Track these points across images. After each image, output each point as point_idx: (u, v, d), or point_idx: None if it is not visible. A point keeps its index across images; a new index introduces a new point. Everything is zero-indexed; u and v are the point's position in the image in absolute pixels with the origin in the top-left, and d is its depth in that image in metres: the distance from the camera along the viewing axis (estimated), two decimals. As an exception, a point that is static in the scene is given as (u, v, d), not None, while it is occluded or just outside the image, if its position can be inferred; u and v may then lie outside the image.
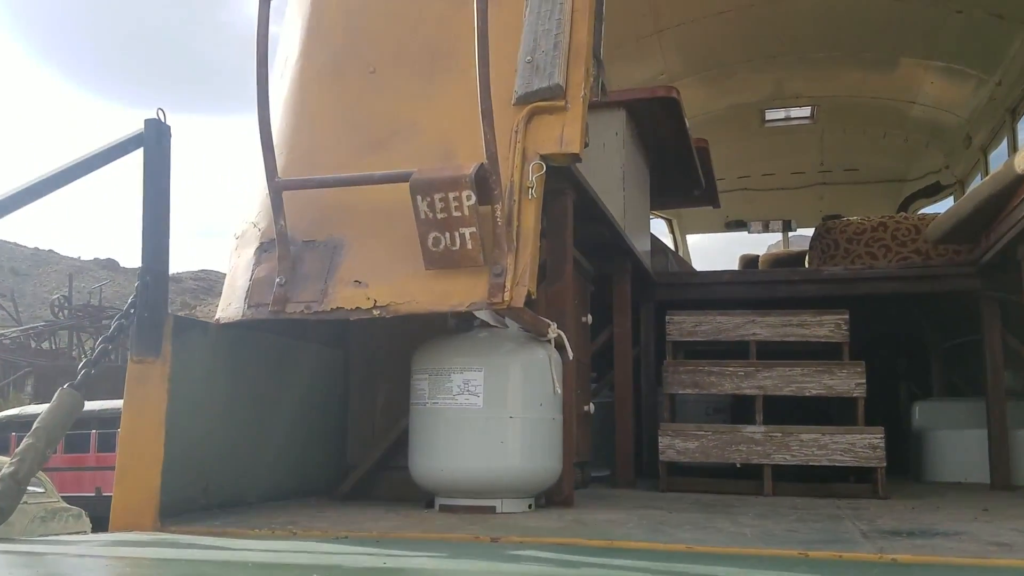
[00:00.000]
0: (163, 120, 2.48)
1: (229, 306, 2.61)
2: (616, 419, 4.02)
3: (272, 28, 2.48)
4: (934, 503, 3.25)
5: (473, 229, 2.31)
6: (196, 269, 74.17)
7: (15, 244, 73.86)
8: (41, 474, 10.32)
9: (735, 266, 7.60)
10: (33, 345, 34.52)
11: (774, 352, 3.86)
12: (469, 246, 2.33)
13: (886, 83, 6.35)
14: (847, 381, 3.65)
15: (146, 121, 2.48)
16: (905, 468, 4.68)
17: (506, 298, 2.31)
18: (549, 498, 2.85)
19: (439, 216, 2.31)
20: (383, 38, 2.80)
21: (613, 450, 4.02)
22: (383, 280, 2.44)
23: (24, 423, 11.43)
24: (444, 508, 2.67)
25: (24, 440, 2.16)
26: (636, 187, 4.19)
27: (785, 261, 7.10)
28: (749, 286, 4.74)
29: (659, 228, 8.07)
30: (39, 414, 2.29)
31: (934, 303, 4.97)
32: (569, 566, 1.73)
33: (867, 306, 4.49)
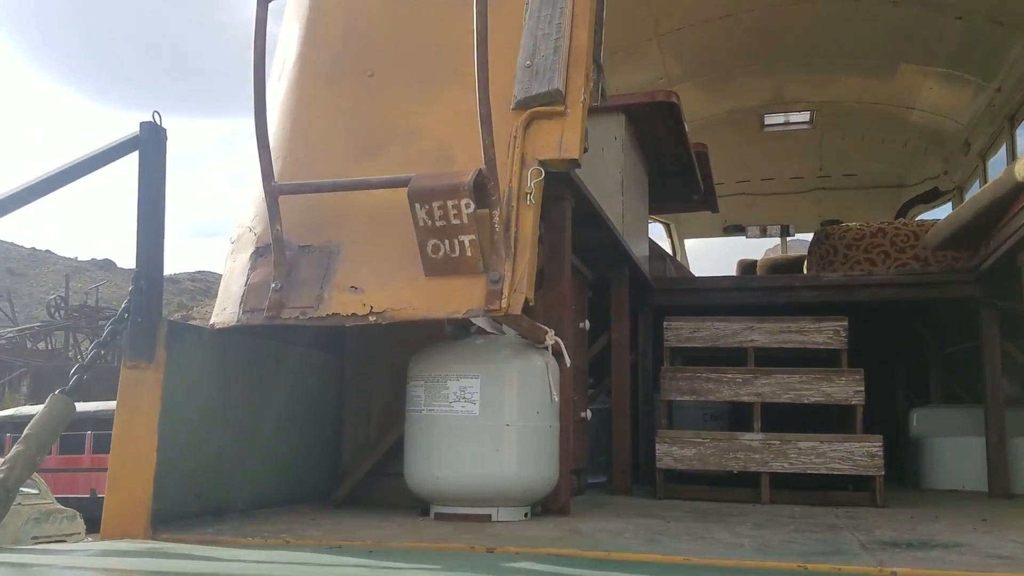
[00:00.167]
0: (159, 123, 2.45)
1: (224, 311, 2.59)
2: (613, 425, 4.00)
3: (270, 30, 2.46)
4: (933, 512, 3.23)
5: (473, 236, 2.29)
6: (193, 270, 74.13)
7: (12, 244, 73.77)
8: (36, 475, 10.29)
9: (733, 271, 7.59)
10: (29, 345, 34.47)
11: (772, 359, 3.84)
12: (469, 253, 2.31)
13: (885, 89, 6.34)
14: (846, 388, 3.63)
15: (141, 124, 2.45)
16: (903, 475, 4.66)
17: (504, 305, 2.28)
18: (545, 506, 2.82)
19: (438, 224, 2.29)
20: (382, 41, 2.78)
21: (610, 456, 4.00)
22: (379, 286, 2.41)
23: (19, 424, 11.38)
24: (439, 516, 2.64)
25: (14, 447, 2.13)
26: (635, 192, 4.17)
27: (783, 266, 7.08)
28: (747, 292, 4.72)
29: (657, 232, 8.06)
30: (34, 415, 2.27)
31: (933, 310, 4.96)
32: (566, 579, 1.70)
33: (866, 313, 4.48)
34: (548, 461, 2.69)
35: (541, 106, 2.46)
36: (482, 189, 2.27)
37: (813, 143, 7.18)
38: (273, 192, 2.46)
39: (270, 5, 2.44)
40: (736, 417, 4.20)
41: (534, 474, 2.65)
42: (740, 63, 6.19)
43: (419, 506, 2.77)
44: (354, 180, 2.49)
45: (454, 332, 2.73)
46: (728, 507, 3.34)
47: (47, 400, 2.27)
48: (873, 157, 7.35)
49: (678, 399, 3.85)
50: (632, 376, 4.20)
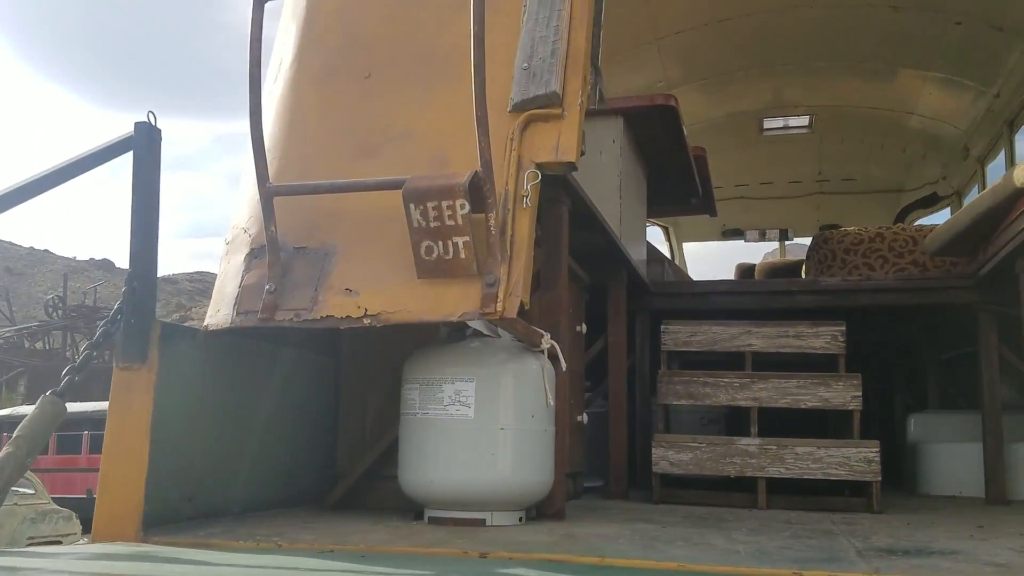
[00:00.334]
0: (154, 123, 2.44)
1: (218, 312, 2.58)
2: (610, 429, 3.98)
3: (267, 31, 2.45)
4: (929, 519, 3.22)
5: (467, 238, 2.28)
6: (192, 271, 74.10)
7: (11, 243, 73.76)
8: (32, 475, 10.27)
9: (731, 275, 7.58)
10: (27, 345, 34.46)
11: (770, 363, 3.83)
12: (462, 255, 2.30)
13: (884, 93, 6.34)
14: (843, 394, 3.61)
15: (136, 124, 2.44)
16: (900, 481, 4.65)
17: (499, 308, 2.27)
18: (540, 511, 2.81)
19: (432, 225, 2.28)
20: (378, 43, 2.76)
21: (607, 460, 3.98)
22: (374, 288, 2.40)
23: (15, 423, 11.37)
24: (433, 520, 2.63)
25: (4, 449, 2.12)
26: (633, 195, 4.16)
27: (781, 270, 7.08)
28: (745, 296, 4.71)
29: (656, 236, 8.06)
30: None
31: (931, 315, 4.95)
32: (559, 585, 1.69)
33: (864, 317, 4.47)
34: (543, 465, 2.67)
35: (538, 108, 2.45)
36: (478, 191, 2.25)
37: (812, 147, 7.18)
38: (268, 193, 2.44)
39: (268, 6, 2.43)
40: (733, 422, 4.19)
41: (529, 478, 2.63)
42: (739, 67, 6.18)
43: (414, 509, 2.76)
44: (349, 182, 2.48)
45: (449, 335, 2.72)
46: (724, 512, 3.33)
47: (38, 401, 2.26)
48: (872, 162, 7.35)
49: (675, 403, 3.84)
50: (629, 380, 4.18)
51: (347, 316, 2.38)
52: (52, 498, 10.94)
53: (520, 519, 2.67)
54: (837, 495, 3.63)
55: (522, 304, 2.30)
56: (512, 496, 2.63)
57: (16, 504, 9.56)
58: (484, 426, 2.55)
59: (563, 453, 2.83)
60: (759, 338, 3.83)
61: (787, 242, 8.65)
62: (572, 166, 2.45)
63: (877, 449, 3.49)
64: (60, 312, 35.21)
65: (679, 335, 3.92)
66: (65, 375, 2.32)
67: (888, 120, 6.65)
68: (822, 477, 3.52)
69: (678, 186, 4.83)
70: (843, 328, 3.76)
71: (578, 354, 3.57)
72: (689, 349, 3.91)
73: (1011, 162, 5.70)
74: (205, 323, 2.61)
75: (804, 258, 5.84)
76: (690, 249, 8.55)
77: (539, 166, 2.40)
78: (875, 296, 4.44)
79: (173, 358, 2.40)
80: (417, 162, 2.48)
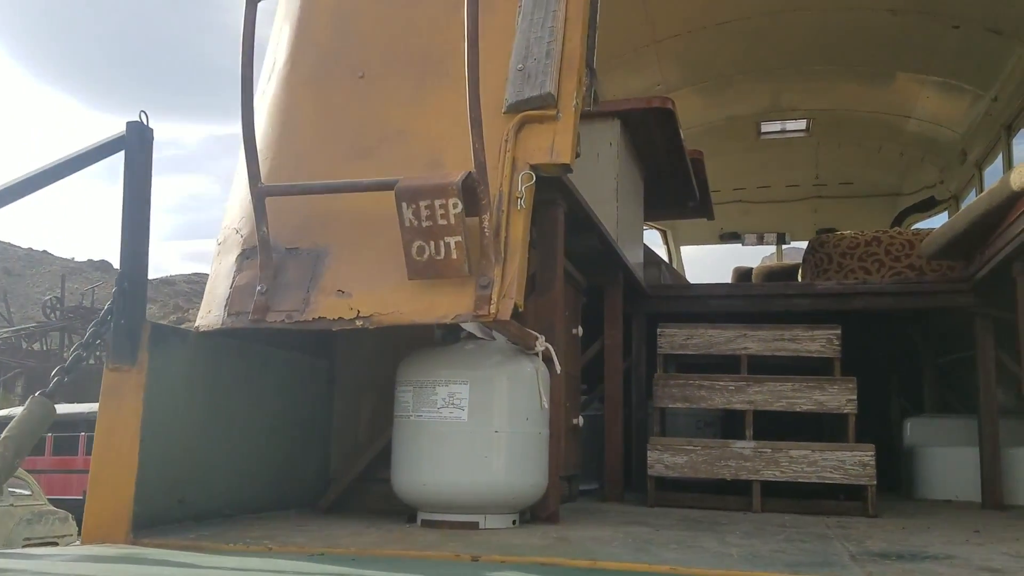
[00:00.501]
0: (145, 123, 2.43)
1: (209, 314, 2.56)
2: (605, 432, 3.97)
3: (261, 32, 2.43)
4: (925, 523, 3.20)
5: (458, 238, 2.26)
6: (189, 272, 74.05)
7: (8, 244, 73.69)
8: (28, 476, 10.25)
9: (729, 278, 7.58)
10: (24, 346, 34.42)
11: (766, 367, 3.82)
12: (454, 255, 2.28)
13: (882, 97, 6.33)
14: (838, 397, 3.60)
15: (128, 124, 2.42)
16: (896, 485, 4.64)
17: (492, 310, 2.26)
18: (534, 514, 2.79)
19: (424, 224, 2.26)
20: (373, 43, 2.75)
21: (602, 463, 3.97)
22: (367, 290, 2.39)
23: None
24: (426, 523, 2.61)
25: (-8, 450, 2.10)
26: (630, 198, 4.15)
27: (779, 274, 7.07)
28: (741, 299, 4.70)
29: (653, 239, 8.05)
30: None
31: (927, 319, 4.94)
32: (550, 588, 1.68)
33: (860, 321, 4.46)
34: (537, 468, 2.66)
35: (533, 110, 2.44)
36: (471, 192, 2.24)
37: (809, 151, 7.18)
38: (260, 193, 2.43)
39: (261, 6, 2.42)
40: (729, 425, 4.18)
41: (522, 481, 2.62)
42: (737, 70, 6.18)
43: (407, 512, 2.74)
44: (342, 182, 2.46)
45: (443, 337, 2.70)
46: (719, 515, 3.32)
47: (27, 402, 2.24)
48: (869, 166, 7.35)
49: (671, 406, 3.83)
50: (625, 383, 4.17)
51: (339, 318, 2.37)
52: (49, 499, 10.91)
53: (514, 522, 2.66)
54: (832, 499, 3.62)
55: (516, 306, 2.28)
56: (505, 499, 2.61)
57: (12, 505, 9.54)
58: (478, 429, 2.53)
59: (558, 456, 2.82)
60: (755, 341, 3.82)
61: (785, 246, 8.64)
62: (567, 168, 2.44)
63: (872, 453, 3.48)
64: (58, 313, 35.17)
65: (675, 338, 3.91)
66: (54, 376, 2.30)
67: (886, 124, 6.65)
68: (817, 481, 3.51)
69: (675, 189, 4.82)
70: (839, 332, 3.75)
71: (574, 357, 3.55)
72: (685, 352, 3.91)
73: (1008, 166, 5.70)
74: (196, 324, 2.60)
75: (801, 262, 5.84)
76: (688, 253, 8.55)
77: (534, 167, 2.39)
78: (871, 300, 4.43)
79: (164, 359, 2.38)
80: (411, 163, 2.47)
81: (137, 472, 2.26)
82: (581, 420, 3.53)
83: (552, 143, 2.42)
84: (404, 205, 2.26)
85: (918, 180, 7.35)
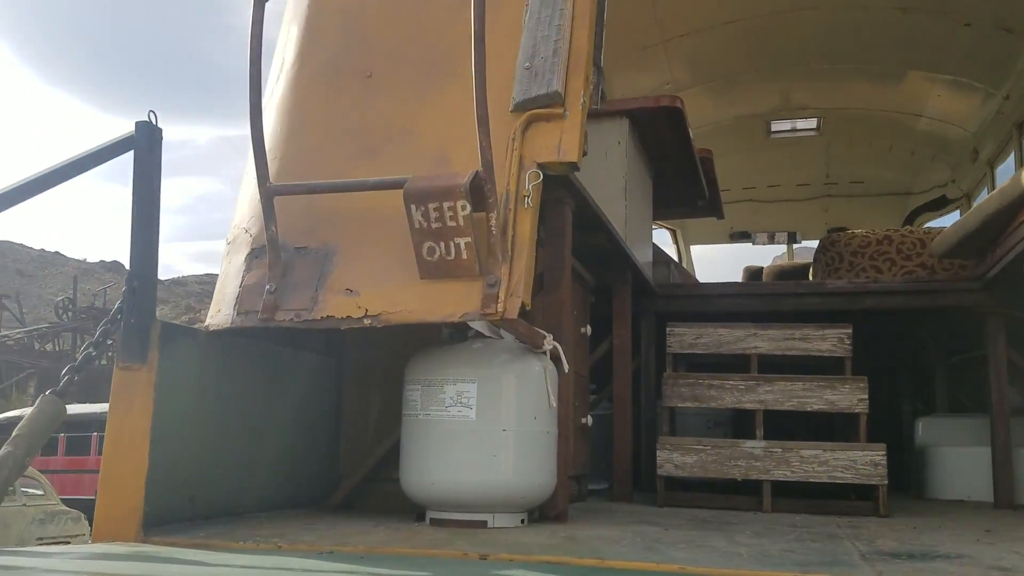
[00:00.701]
0: (154, 123, 2.44)
1: (219, 312, 2.57)
2: (614, 432, 3.96)
3: (270, 32, 2.44)
4: (936, 523, 3.19)
5: (468, 239, 2.27)
6: (201, 273, 74.32)
7: (21, 245, 74.13)
8: (40, 476, 10.30)
9: (739, 278, 7.56)
10: (37, 347, 34.62)
11: (776, 366, 3.80)
12: (464, 256, 2.29)
13: (893, 96, 6.31)
14: (849, 396, 3.59)
15: (137, 124, 2.43)
16: (907, 485, 4.61)
17: (500, 309, 2.26)
18: (543, 513, 2.79)
19: (434, 226, 2.27)
20: (380, 42, 2.76)
21: (611, 462, 3.96)
22: (375, 289, 2.39)
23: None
24: (435, 522, 2.62)
25: (3, 448, 2.11)
26: (638, 197, 4.14)
27: (789, 273, 7.05)
28: (751, 298, 4.69)
29: (663, 239, 8.04)
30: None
31: (939, 318, 4.91)
32: (557, 587, 1.68)
33: (871, 320, 4.44)
34: (545, 467, 2.66)
35: (540, 108, 2.44)
36: (479, 191, 2.24)
37: (820, 150, 7.15)
38: (268, 193, 2.44)
39: (269, 7, 2.43)
40: (739, 424, 4.16)
41: (531, 480, 2.61)
42: (747, 69, 6.16)
43: (415, 511, 2.74)
44: (350, 181, 2.47)
45: (451, 336, 2.70)
46: (729, 515, 3.31)
47: (37, 401, 2.25)
48: (880, 164, 7.31)
49: (680, 406, 3.82)
50: (634, 382, 4.16)
51: (347, 316, 2.37)
52: (61, 499, 10.96)
53: (522, 521, 2.66)
54: (843, 499, 3.60)
55: (523, 305, 2.28)
56: (514, 498, 2.61)
57: (24, 505, 9.59)
58: (486, 427, 2.53)
59: (566, 455, 2.81)
60: (765, 340, 3.81)
61: (796, 245, 8.61)
62: (574, 166, 2.44)
63: (883, 452, 3.47)
64: (70, 314, 35.35)
65: (685, 337, 3.90)
66: (65, 374, 2.31)
67: (897, 122, 6.62)
68: (828, 480, 3.50)
69: (685, 188, 4.81)
70: (849, 331, 3.73)
71: (582, 356, 3.55)
72: (695, 351, 3.89)
73: (1020, 164, 5.67)
74: (206, 323, 2.61)
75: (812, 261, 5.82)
76: (698, 252, 8.54)
77: (541, 166, 2.39)
78: (882, 299, 4.41)
79: (173, 358, 2.39)
80: (418, 162, 2.47)
81: (147, 471, 2.27)
82: (590, 419, 3.52)
83: (559, 142, 2.42)
84: (413, 207, 2.26)
85: (929, 179, 7.31)
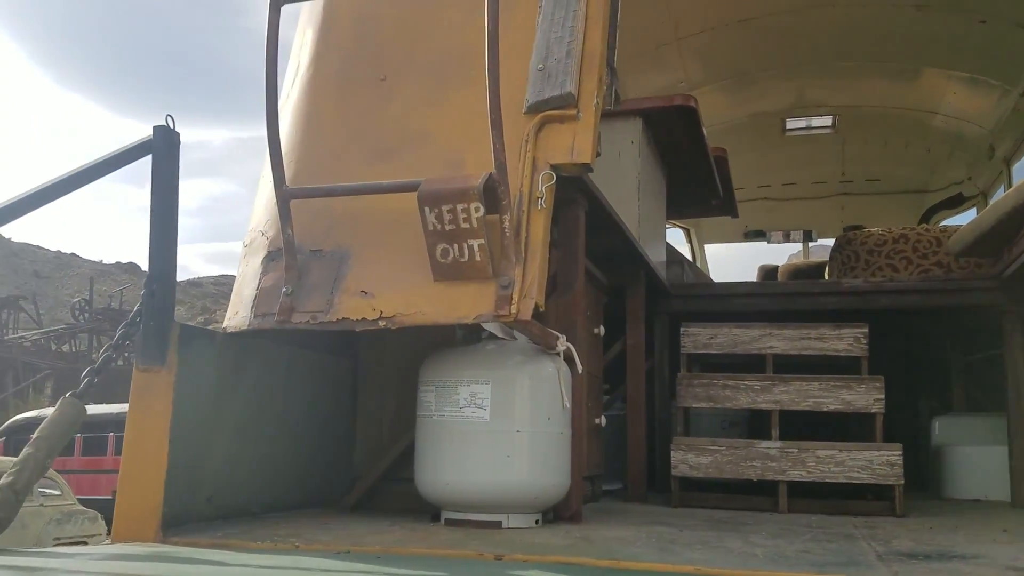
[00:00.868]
0: (172, 127, 2.46)
1: (236, 315, 2.59)
2: (628, 432, 3.97)
3: (286, 36, 2.46)
4: (953, 522, 3.17)
5: (482, 241, 2.28)
6: (216, 274, 74.71)
7: (38, 247, 74.69)
8: (57, 476, 10.39)
9: (754, 277, 7.53)
10: (53, 348, 34.88)
11: (791, 366, 3.79)
12: (478, 258, 2.30)
13: (908, 93, 6.27)
14: (866, 396, 3.58)
15: (155, 128, 2.46)
16: (924, 485, 4.59)
17: (513, 310, 2.27)
18: (557, 513, 2.80)
19: (447, 228, 2.28)
20: (394, 46, 2.77)
21: (626, 463, 3.96)
22: (389, 291, 2.40)
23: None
24: (450, 522, 2.63)
25: (24, 450, 2.14)
26: (652, 196, 4.14)
27: (805, 272, 7.02)
28: (766, 298, 4.67)
29: (677, 238, 8.03)
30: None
31: (955, 316, 4.88)
32: (572, 587, 1.68)
33: (887, 319, 4.42)
34: (559, 468, 2.67)
35: (553, 110, 2.44)
36: (492, 193, 2.25)
37: (835, 148, 7.12)
38: (284, 196, 2.46)
39: (285, 10, 2.45)
40: (755, 425, 4.15)
41: (545, 481, 2.62)
42: (761, 67, 6.14)
43: (430, 511, 2.76)
44: (365, 184, 2.48)
45: (465, 337, 2.71)
46: (744, 516, 3.31)
47: (58, 403, 2.28)
48: (896, 162, 7.27)
49: (695, 406, 3.81)
50: (648, 382, 4.16)
51: (362, 318, 2.39)
52: (78, 499, 11.04)
53: (536, 521, 2.67)
54: (859, 499, 3.59)
55: (536, 306, 2.29)
56: (528, 498, 2.62)
57: (42, 505, 9.67)
58: (500, 428, 2.54)
59: (580, 456, 2.82)
60: (780, 340, 3.80)
61: (812, 243, 8.57)
62: (587, 167, 2.45)
63: (900, 452, 3.45)
64: (86, 315, 35.62)
65: (699, 337, 3.89)
66: (85, 377, 2.34)
67: (912, 120, 6.58)
68: (844, 481, 3.49)
69: (699, 187, 4.80)
70: (866, 330, 3.72)
71: (596, 356, 3.56)
72: (709, 351, 3.89)
73: (1038, 162, 5.63)
74: (224, 325, 2.63)
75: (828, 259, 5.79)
76: (713, 251, 8.52)
77: (554, 167, 2.40)
78: (898, 297, 4.39)
79: (192, 360, 2.41)
80: (432, 164, 2.48)
81: (166, 471, 2.30)
82: (603, 420, 3.53)
83: (572, 143, 2.42)
84: (427, 210, 2.28)
85: (945, 176, 7.26)
